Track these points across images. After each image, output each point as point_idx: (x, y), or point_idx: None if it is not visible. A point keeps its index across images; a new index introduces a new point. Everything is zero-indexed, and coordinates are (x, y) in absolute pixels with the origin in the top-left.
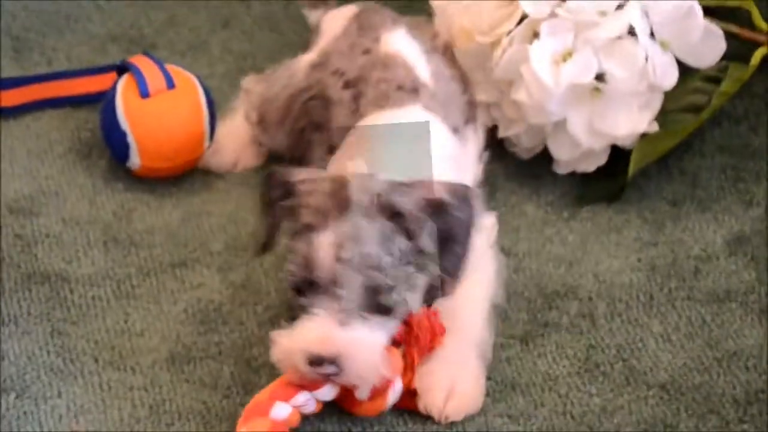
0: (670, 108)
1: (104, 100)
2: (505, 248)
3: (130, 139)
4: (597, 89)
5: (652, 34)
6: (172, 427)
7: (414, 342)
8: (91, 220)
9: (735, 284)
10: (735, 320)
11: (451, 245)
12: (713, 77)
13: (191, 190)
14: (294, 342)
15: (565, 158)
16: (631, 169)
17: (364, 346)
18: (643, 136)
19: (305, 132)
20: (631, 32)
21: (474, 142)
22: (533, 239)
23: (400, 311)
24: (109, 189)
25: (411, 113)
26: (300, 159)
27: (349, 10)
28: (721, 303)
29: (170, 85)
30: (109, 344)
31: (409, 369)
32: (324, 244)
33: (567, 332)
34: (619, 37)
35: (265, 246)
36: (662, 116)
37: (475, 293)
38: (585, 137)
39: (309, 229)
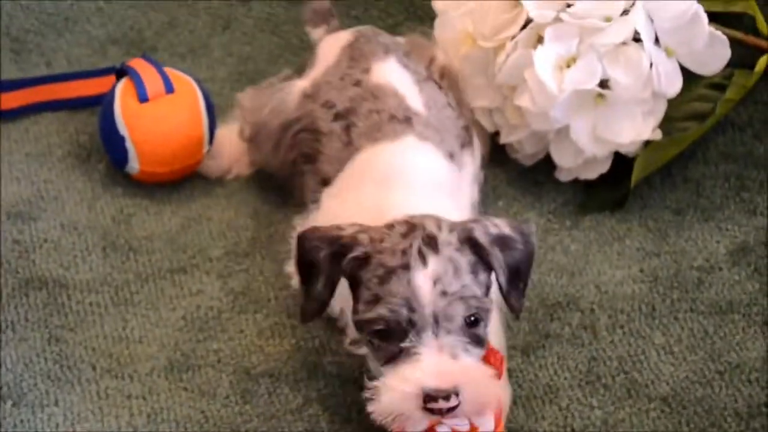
0: (674, 116)
1: (103, 104)
2: None
3: (129, 143)
4: (601, 96)
5: (657, 41)
6: None
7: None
8: (89, 225)
9: (738, 295)
10: (738, 332)
11: (517, 281)
12: (718, 84)
13: (191, 195)
14: (409, 382)
15: (567, 165)
16: (635, 177)
17: (480, 374)
18: (647, 144)
19: (297, 163)
20: (636, 38)
21: (470, 165)
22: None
23: (485, 346)
24: (108, 194)
25: (405, 145)
26: (291, 188)
27: (344, 38)
28: (723, 315)
29: (169, 89)
30: (107, 351)
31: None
32: (425, 281)
33: (568, 344)
34: (624, 43)
35: (321, 308)
36: (666, 124)
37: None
38: (588, 144)
39: (402, 268)
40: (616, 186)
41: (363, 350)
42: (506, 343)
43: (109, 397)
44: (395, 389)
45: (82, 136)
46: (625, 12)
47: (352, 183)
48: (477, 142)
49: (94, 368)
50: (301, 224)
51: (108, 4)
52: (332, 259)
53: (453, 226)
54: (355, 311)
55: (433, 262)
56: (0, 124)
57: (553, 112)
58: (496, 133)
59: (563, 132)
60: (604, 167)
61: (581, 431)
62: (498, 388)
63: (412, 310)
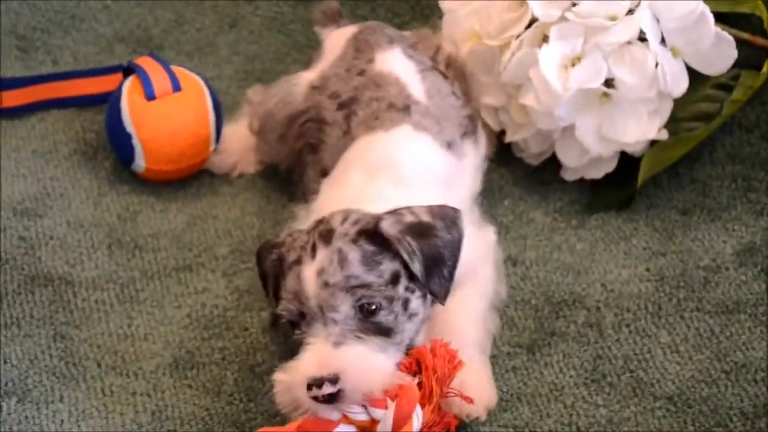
0: (681, 116)
1: (110, 102)
2: (512, 256)
3: (135, 141)
4: (606, 95)
5: (663, 41)
6: None
7: (431, 373)
8: (95, 222)
9: (744, 295)
10: (744, 332)
11: (438, 267)
12: (724, 85)
13: (197, 193)
14: (293, 374)
15: (573, 165)
16: (641, 177)
17: (361, 361)
18: (653, 144)
19: (302, 153)
20: (642, 38)
21: (473, 155)
22: (541, 247)
23: (401, 335)
24: (114, 191)
25: (399, 135)
26: (296, 180)
27: (349, 31)
28: (730, 314)
29: (176, 87)
30: (112, 348)
31: (427, 400)
32: (309, 273)
33: (574, 342)
34: (629, 43)
35: (276, 317)
36: (672, 124)
37: (468, 297)
38: (593, 143)
39: (296, 263)
40: (623, 185)
41: None
42: (507, 338)
43: (114, 394)
44: (284, 379)
45: (88, 134)
46: (631, 11)
47: (344, 173)
48: (481, 132)
49: (99, 365)
50: (304, 214)
51: (115, 2)
52: (274, 264)
53: (360, 219)
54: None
55: (321, 254)
56: (6, 121)
57: (558, 111)
58: (502, 132)
59: (569, 131)
60: (609, 167)
61: (586, 429)
62: (383, 377)
63: (301, 302)
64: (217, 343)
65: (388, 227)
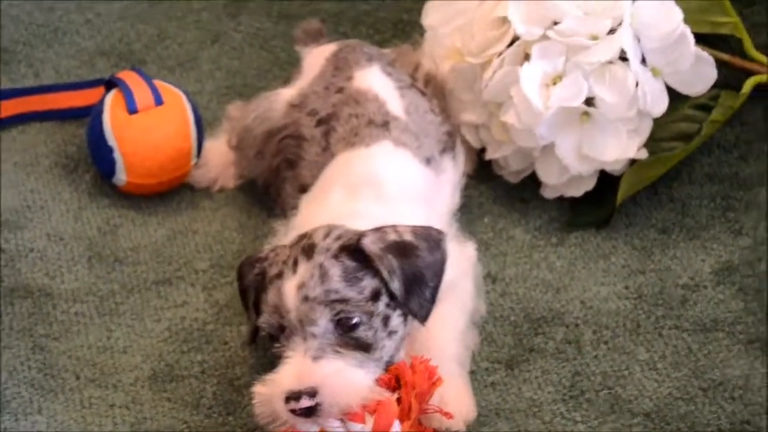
0: (660, 135)
1: (91, 115)
2: (492, 273)
3: (117, 154)
4: (586, 114)
5: (643, 61)
6: None
7: (410, 389)
8: (75, 235)
9: (722, 314)
10: (721, 350)
11: (419, 287)
12: (704, 105)
13: (177, 208)
14: (271, 387)
15: (552, 182)
16: (621, 195)
17: (338, 376)
18: (633, 163)
19: (280, 169)
20: (623, 57)
21: (452, 171)
22: (521, 264)
23: (380, 351)
24: (95, 205)
25: (379, 151)
26: (274, 196)
27: (328, 49)
28: (707, 332)
29: (158, 101)
30: (91, 361)
31: (406, 416)
32: (290, 287)
33: (552, 358)
34: (610, 62)
35: (254, 333)
36: (652, 143)
37: (448, 312)
38: (573, 162)
39: (277, 277)
40: (602, 204)
41: None
42: (486, 354)
43: (93, 406)
44: (262, 392)
45: (69, 147)
46: (612, 31)
47: (325, 188)
48: (460, 148)
49: (78, 377)
50: (283, 230)
51: (97, 16)
52: (256, 279)
53: (342, 235)
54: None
55: (302, 269)
56: None
57: (539, 129)
58: (482, 149)
59: (548, 149)
60: (589, 185)
61: None
62: (360, 392)
63: (281, 316)
64: (196, 357)
65: (370, 244)
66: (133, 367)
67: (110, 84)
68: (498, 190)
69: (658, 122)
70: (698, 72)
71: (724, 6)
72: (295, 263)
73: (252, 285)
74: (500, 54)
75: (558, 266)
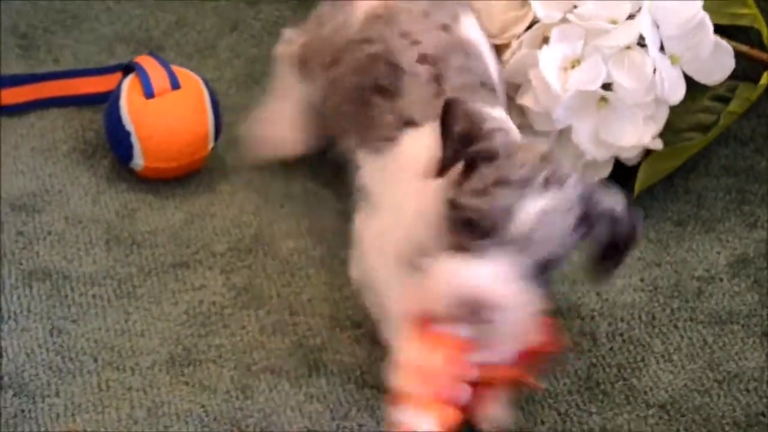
0: (678, 126)
1: (109, 100)
2: None
3: (134, 138)
4: (604, 99)
5: (662, 47)
6: (170, 429)
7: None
8: (93, 219)
9: (737, 306)
10: (737, 342)
11: (617, 254)
12: (722, 96)
13: (195, 191)
14: (459, 278)
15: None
16: (638, 187)
17: (525, 306)
18: (648, 154)
19: (363, 91)
20: (641, 43)
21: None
22: None
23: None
24: (113, 189)
25: (501, 114)
26: (352, 118)
27: None
28: (723, 325)
29: (175, 85)
30: (109, 344)
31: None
32: (532, 207)
33: (569, 350)
34: (629, 47)
35: (442, 171)
36: (669, 134)
37: None
38: (590, 147)
39: (519, 184)
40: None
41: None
42: None
43: (110, 389)
44: (443, 278)
45: (87, 133)
46: (631, 16)
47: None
48: None
49: (95, 360)
50: (371, 159)
51: (116, 2)
52: (462, 137)
53: (579, 180)
54: (456, 191)
55: (549, 197)
56: (6, 118)
57: (556, 112)
58: None
59: (565, 133)
60: (604, 171)
61: None
62: (532, 330)
63: (506, 220)
64: (213, 341)
65: (599, 200)
66: (150, 351)
67: (128, 69)
68: None
69: (675, 112)
70: (716, 60)
71: None
72: (543, 186)
73: (457, 143)
74: (519, 36)
75: (574, 258)
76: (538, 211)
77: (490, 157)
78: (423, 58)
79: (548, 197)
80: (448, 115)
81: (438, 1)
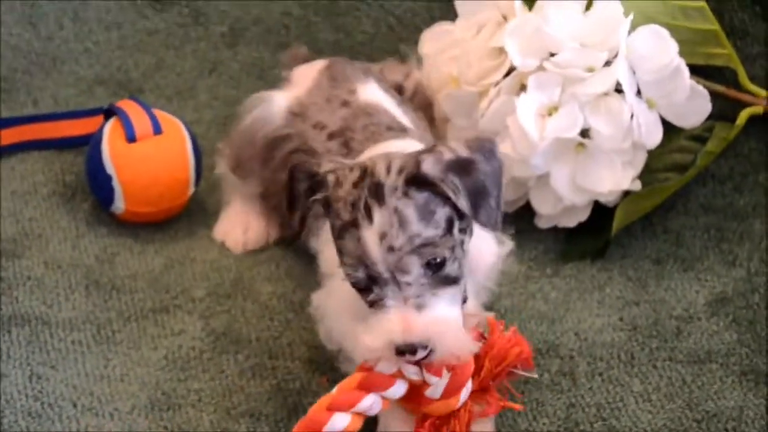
0: (655, 166)
1: (90, 143)
2: (486, 304)
3: (115, 182)
4: (581, 145)
5: (638, 93)
6: None
7: (489, 348)
8: (73, 263)
9: (716, 345)
10: (715, 381)
11: (484, 199)
12: (698, 136)
13: (175, 236)
14: (379, 337)
15: (547, 212)
16: (615, 226)
17: (448, 323)
18: (627, 194)
19: None
20: (618, 89)
21: None
22: (516, 295)
23: (464, 278)
24: (93, 233)
25: (408, 143)
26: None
27: (318, 64)
28: (701, 364)
29: (157, 130)
30: (88, 389)
31: (477, 373)
32: (371, 239)
33: (547, 390)
34: (606, 94)
35: (296, 236)
36: (647, 174)
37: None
38: (568, 192)
39: (351, 225)
40: (597, 235)
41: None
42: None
43: None
44: (371, 344)
45: (68, 176)
46: (608, 63)
47: None
48: None
49: (75, 406)
50: (319, 239)
51: (96, 45)
52: (307, 194)
53: (403, 165)
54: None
55: (378, 216)
56: None
57: (534, 159)
58: None
59: (543, 179)
60: (583, 215)
61: None
62: (467, 336)
63: (366, 267)
64: (193, 385)
65: (431, 168)
66: (129, 396)
67: (109, 113)
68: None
69: (652, 153)
70: (693, 105)
71: (718, 38)
72: (368, 209)
73: (303, 200)
74: (497, 84)
75: (553, 297)
76: (375, 237)
77: (326, 203)
78: (331, 135)
79: (376, 217)
80: (292, 180)
81: (336, 80)
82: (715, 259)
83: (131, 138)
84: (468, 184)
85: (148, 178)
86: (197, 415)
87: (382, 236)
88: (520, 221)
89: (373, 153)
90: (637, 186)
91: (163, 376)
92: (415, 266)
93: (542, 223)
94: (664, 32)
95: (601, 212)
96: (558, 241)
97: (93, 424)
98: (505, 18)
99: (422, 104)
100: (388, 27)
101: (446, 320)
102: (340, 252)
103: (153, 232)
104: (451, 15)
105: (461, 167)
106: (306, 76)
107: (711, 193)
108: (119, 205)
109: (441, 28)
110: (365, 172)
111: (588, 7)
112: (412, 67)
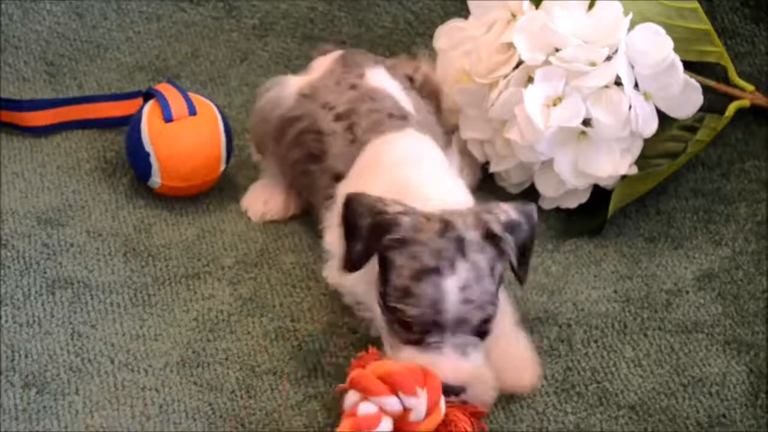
0: (649, 153)
1: (131, 123)
2: None
3: (153, 159)
4: (583, 133)
5: (636, 86)
6: (180, 426)
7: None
8: (113, 232)
9: (702, 317)
10: (701, 350)
11: (526, 256)
12: (690, 126)
13: (206, 209)
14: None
15: (550, 195)
16: (612, 208)
17: (484, 374)
18: (624, 178)
19: (301, 163)
20: (618, 82)
21: (455, 163)
22: None
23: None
24: (131, 205)
25: (410, 134)
26: (304, 187)
27: (335, 53)
28: (689, 333)
29: (192, 111)
30: (125, 347)
31: None
32: (453, 289)
33: (546, 355)
34: (607, 87)
35: (355, 267)
36: (642, 160)
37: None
38: (570, 177)
39: (433, 272)
40: (594, 215)
41: (368, 314)
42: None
43: (126, 388)
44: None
45: (109, 153)
46: (609, 58)
47: (366, 171)
48: (455, 148)
49: (112, 362)
50: (326, 220)
51: (137, 34)
52: (372, 230)
53: (476, 222)
54: (383, 292)
55: (461, 269)
56: (34, 139)
57: (540, 146)
58: (487, 163)
59: (547, 164)
60: (583, 198)
61: None
62: (493, 389)
63: (437, 312)
64: (221, 345)
65: (497, 226)
66: (163, 353)
67: (148, 95)
68: (500, 200)
69: (648, 141)
70: (686, 97)
71: (711, 37)
72: (452, 261)
73: (369, 236)
74: (506, 76)
75: (553, 271)
76: (456, 288)
77: (400, 244)
78: (338, 117)
79: (460, 269)
80: (350, 210)
81: (348, 66)
82: (702, 239)
83: (168, 118)
84: (517, 242)
85: (183, 155)
86: (224, 372)
87: (463, 288)
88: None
89: (378, 143)
90: (634, 171)
91: (193, 336)
92: (477, 319)
93: (546, 205)
94: (661, 30)
95: (599, 194)
96: (559, 219)
97: (129, 379)
98: (514, 16)
99: (430, 94)
100: (406, 22)
101: (483, 370)
102: (406, 292)
103: (186, 205)
104: (464, 12)
105: (513, 227)
106: (322, 64)
107: (700, 178)
108: (156, 179)
109: (454, 24)
110: (448, 225)
111: (591, 6)
112: (421, 62)
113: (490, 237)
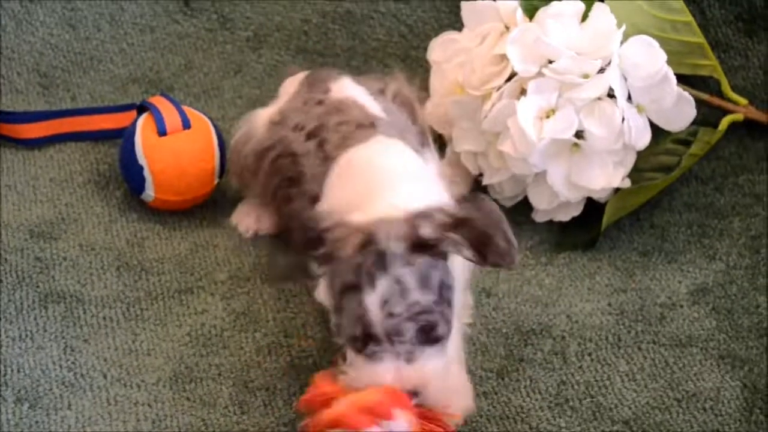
0: (643, 167)
1: (124, 136)
2: (486, 288)
3: (147, 172)
4: (576, 145)
5: (629, 98)
6: None
7: None
8: (105, 246)
9: (696, 331)
10: (695, 364)
11: (491, 244)
12: (683, 140)
13: (200, 223)
14: (370, 382)
15: (543, 207)
16: (605, 221)
17: (434, 373)
18: (617, 191)
19: (281, 188)
20: (611, 95)
21: (433, 162)
22: (513, 281)
23: (449, 333)
24: (124, 218)
25: (376, 142)
26: (289, 217)
27: (299, 76)
28: (683, 348)
29: (186, 125)
30: (118, 362)
31: None
32: (373, 304)
33: (540, 368)
34: (599, 99)
35: (288, 280)
36: (635, 174)
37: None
38: (563, 189)
39: (354, 288)
40: (588, 228)
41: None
42: (479, 363)
43: (118, 403)
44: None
45: (102, 165)
46: (602, 70)
47: (336, 187)
48: (433, 146)
49: (105, 376)
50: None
51: (130, 46)
52: (306, 245)
53: (406, 231)
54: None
55: (381, 284)
56: (27, 151)
57: (532, 158)
58: (480, 175)
59: (540, 177)
60: (576, 210)
61: None
62: (456, 384)
63: (366, 325)
64: (213, 360)
65: (431, 233)
66: (155, 369)
67: (142, 108)
68: None
69: (641, 155)
70: (679, 110)
71: (704, 50)
72: (371, 276)
73: (302, 251)
74: (499, 88)
75: (547, 283)
76: (377, 303)
77: (325, 260)
78: (308, 135)
79: (379, 284)
80: (293, 226)
81: (313, 85)
82: (696, 253)
83: (162, 132)
84: (471, 235)
85: (177, 168)
86: (217, 388)
87: (383, 303)
88: (518, 214)
89: (346, 158)
90: (627, 184)
91: (186, 352)
92: (410, 331)
93: (539, 217)
94: (654, 43)
95: (592, 207)
96: (553, 232)
97: (121, 394)
98: (507, 28)
99: (404, 105)
100: (400, 35)
101: (434, 370)
102: (339, 308)
103: (180, 219)
104: (458, 24)
105: (460, 224)
106: (289, 87)
107: (694, 192)
108: (149, 193)
109: (448, 36)
110: (370, 237)
111: (584, 18)
112: (391, 80)
113: (420, 246)
